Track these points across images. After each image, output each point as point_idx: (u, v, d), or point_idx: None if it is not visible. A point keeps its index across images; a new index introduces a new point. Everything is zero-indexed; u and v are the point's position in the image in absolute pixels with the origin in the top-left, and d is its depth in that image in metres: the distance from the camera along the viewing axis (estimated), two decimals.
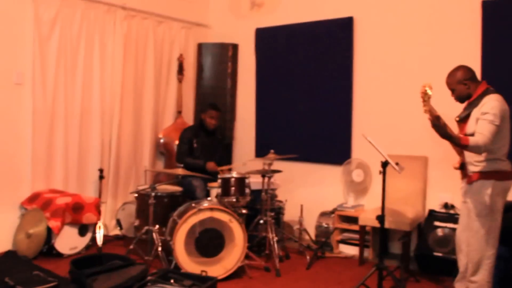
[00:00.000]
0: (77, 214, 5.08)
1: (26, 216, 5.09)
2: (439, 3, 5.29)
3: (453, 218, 4.74)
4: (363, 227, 5.12)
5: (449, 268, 4.37)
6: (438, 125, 3.49)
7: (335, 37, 5.97)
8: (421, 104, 3.46)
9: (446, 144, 3.79)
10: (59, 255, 5.01)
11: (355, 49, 5.86)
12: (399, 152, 5.29)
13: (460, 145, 3.53)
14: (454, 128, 3.87)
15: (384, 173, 4.20)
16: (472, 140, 3.49)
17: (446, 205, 5.05)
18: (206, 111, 5.84)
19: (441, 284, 4.53)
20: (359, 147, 5.79)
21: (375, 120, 5.70)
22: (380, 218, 4.19)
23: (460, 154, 3.86)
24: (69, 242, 5.09)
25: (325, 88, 6.07)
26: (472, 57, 4.85)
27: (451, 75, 3.83)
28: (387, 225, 4.75)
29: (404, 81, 5.48)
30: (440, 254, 4.68)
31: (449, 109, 4.03)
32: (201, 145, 5.76)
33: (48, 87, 5.40)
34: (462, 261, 3.91)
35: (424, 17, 5.38)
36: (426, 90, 3.42)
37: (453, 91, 3.83)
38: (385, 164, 4.17)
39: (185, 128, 6.00)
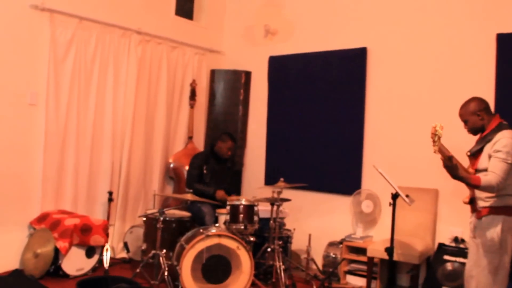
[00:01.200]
0: (85, 235, 5.08)
1: (35, 235, 5.10)
2: (454, 35, 5.31)
3: (463, 252, 4.70)
4: (371, 259, 5.08)
5: None
6: (451, 166, 3.48)
7: (348, 67, 6.00)
8: (432, 144, 3.47)
9: None
10: (66, 276, 5.00)
11: (368, 79, 5.88)
12: (410, 184, 5.29)
13: (471, 185, 3.51)
14: (465, 162, 3.87)
15: (394, 205, 4.19)
16: (484, 180, 3.46)
17: (456, 239, 5.01)
18: (224, 140, 5.82)
19: None
20: (369, 178, 5.77)
21: (386, 151, 5.69)
22: (389, 250, 4.18)
23: (471, 188, 3.84)
24: (76, 263, 5.08)
25: (337, 118, 6.08)
26: (486, 90, 4.84)
27: (465, 106, 3.82)
28: (395, 257, 4.71)
29: (417, 112, 5.49)
30: None
31: (462, 143, 4.03)
32: (211, 171, 5.76)
33: (61, 108, 5.45)
34: None
35: (438, 49, 5.40)
36: (436, 131, 3.44)
37: (466, 122, 3.80)
38: (395, 196, 4.17)
39: (196, 154, 6.01)
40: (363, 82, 5.89)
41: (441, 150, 3.60)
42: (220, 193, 5.59)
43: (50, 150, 5.38)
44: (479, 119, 3.74)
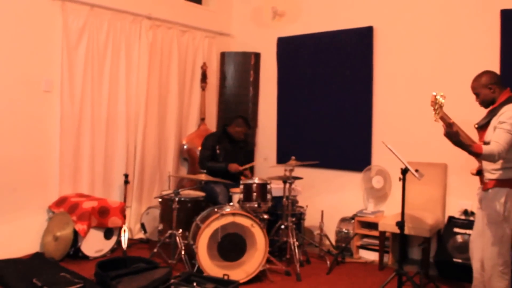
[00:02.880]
0: (103, 218, 5.11)
1: (54, 219, 5.14)
2: (459, 12, 5.24)
3: (472, 225, 4.64)
4: (383, 233, 5.09)
5: (469, 274, 4.27)
6: (450, 132, 3.45)
7: (356, 46, 5.96)
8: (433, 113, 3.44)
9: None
10: (85, 258, 5.04)
11: (375, 57, 5.84)
12: (419, 159, 5.26)
13: (472, 153, 3.47)
14: (474, 135, 3.83)
15: (403, 179, 4.18)
16: (486, 149, 3.43)
17: (465, 212, 5.00)
18: (239, 125, 5.81)
19: None
20: (379, 154, 5.75)
21: (395, 127, 5.66)
22: (400, 224, 4.17)
23: (479, 160, 3.81)
24: (95, 245, 5.12)
25: (345, 96, 6.05)
26: (491, 65, 4.71)
27: (477, 79, 3.77)
28: (406, 231, 4.72)
29: (423, 88, 5.42)
30: (459, 261, 4.62)
31: (470, 116, 3.99)
32: (224, 151, 5.77)
33: (75, 94, 5.46)
34: (475, 267, 3.82)
35: (444, 26, 5.34)
36: (437, 99, 3.40)
37: (477, 95, 3.76)
38: (404, 171, 4.15)
39: (208, 135, 6.01)
40: (370, 60, 5.85)
41: (443, 118, 3.57)
42: (233, 166, 5.59)
43: (66, 135, 5.40)
44: (491, 92, 3.70)
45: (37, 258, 4.82)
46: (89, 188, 5.63)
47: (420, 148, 5.41)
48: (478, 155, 3.49)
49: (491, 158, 3.46)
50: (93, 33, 5.59)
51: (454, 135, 3.45)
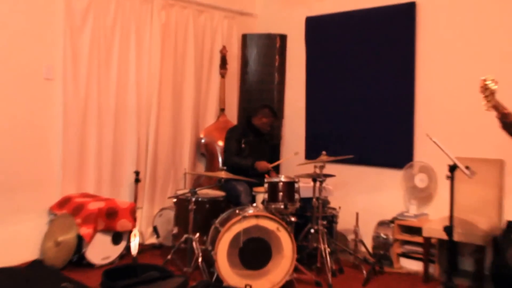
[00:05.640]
0: (111, 220, 5.11)
1: (55, 222, 5.15)
2: None
3: None
4: (427, 239, 5.01)
5: None
6: (506, 123, 3.30)
7: (395, 25, 5.89)
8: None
9: None
10: (90, 265, 5.04)
11: (418, 38, 5.75)
12: (470, 154, 5.16)
13: None
14: None
15: (452, 178, 4.12)
16: None
17: None
18: (265, 114, 5.84)
19: None
20: (422, 149, 5.68)
21: (441, 118, 5.57)
22: (448, 229, 4.13)
23: None
24: (101, 251, 5.12)
25: (383, 83, 6.00)
26: None
27: None
28: (456, 237, 4.59)
29: (475, 73, 5.14)
30: None
31: None
32: (249, 145, 5.79)
33: (80, 82, 5.46)
34: None
35: (498, 0, 5.22)
36: (486, 85, 3.26)
37: None
38: (453, 168, 4.10)
39: (232, 127, 6.07)
40: (412, 41, 5.77)
41: (496, 107, 3.41)
42: (262, 164, 5.60)
43: (70, 128, 5.40)
44: None
45: (36, 266, 4.84)
46: (96, 187, 5.64)
47: (471, 141, 5.31)
48: None
49: None
50: (99, 14, 5.58)
51: (510, 126, 3.31)
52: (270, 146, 6.18)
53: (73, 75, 5.39)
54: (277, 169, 6.26)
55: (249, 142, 5.80)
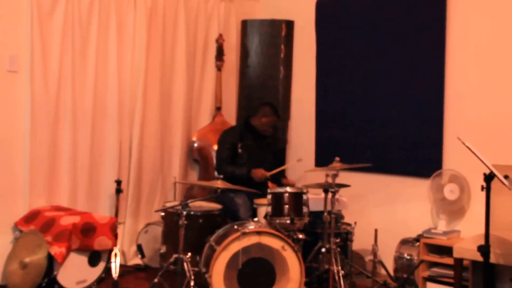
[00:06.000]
0: (87, 238, 5.10)
1: (22, 240, 5.12)
2: None
3: None
4: (459, 261, 4.95)
5: None
6: None
7: (421, 11, 5.90)
8: None
9: None
10: None
11: (448, 26, 5.73)
12: (510, 161, 5.11)
13: None
14: None
15: (488, 189, 4.06)
16: None
17: None
18: (266, 114, 5.83)
19: None
20: (453, 155, 5.67)
21: (476, 119, 5.56)
22: (484, 250, 4.07)
23: None
24: (76, 273, 5.10)
25: (407, 78, 6.00)
26: None
27: None
28: (493, 259, 4.53)
29: None
30: None
31: None
32: (247, 150, 5.78)
33: (50, 75, 5.44)
34: None
35: None
36: None
37: None
38: (489, 178, 4.04)
39: (227, 130, 6.04)
40: (442, 29, 5.75)
41: None
42: (258, 171, 5.59)
43: (39, 130, 5.38)
44: None
45: None
46: (70, 199, 5.63)
47: (510, 147, 5.30)
48: None
49: None
50: None
51: None
52: (274, 151, 6.18)
53: (42, 68, 5.35)
54: (278, 179, 6.21)
55: (247, 146, 5.79)
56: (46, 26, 5.39)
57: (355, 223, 5.63)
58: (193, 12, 6.60)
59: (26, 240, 5.07)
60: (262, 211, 5.20)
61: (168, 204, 5.53)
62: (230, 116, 6.97)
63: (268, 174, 5.59)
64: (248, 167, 5.65)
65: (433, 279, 5.42)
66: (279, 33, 6.90)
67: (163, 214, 5.41)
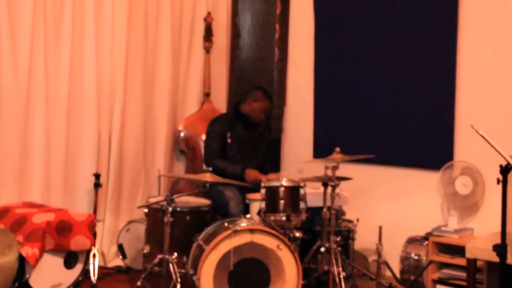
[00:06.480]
0: (63, 237, 5.05)
1: None
2: None
3: None
4: (472, 262, 4.95)
5: None
6: None
7: None
8: None
9: None
10: None
11: (461, 7, 5.72)
12: None
13: None
14: None
15: (504, 182, 4.06)
16: None
17: None
18: (257, 98, 5.84)
19: None
20: (465, 145, 5.67)
21: (490, 107, 5.56)
22: (499, 249, 4.07)
23: None
24: (50, 276, 5.07)
25: (415, 63, 6.00)
26: None
27: None
28: (510, 259, 4.53)
29: None
30: None
31: None
32: (237, 140, 5.78)
33: (20, 59, 5.40)
34: None
35: None
36: None
37: None
38: (506, 170, 4.03)
39: (215, 118, 6.02)
40: (455, 10, 5.73)
41: None
42: (252, 173, 5.60)
43: (7, 119, 5.35)
44: None
45: None
46: (43, 194, 5.61)
47: None
48: None
49: None
50: None
51: None
52: (267, 142, 6.18)
53: (10, 50, 5.31)
54: (278, 169, 6.23)
55: (237, 136, 5.79)
56: (13, 4, 5.34)
57: (358, 220, 5.65)
58: None
59: None
60: (255, 207, 5.18)
61: (152, 200, 5.51)
62: (220, 103, 6.96)
63: (264, 178, 5.51)
64: (242, 162, 5.66)
65: (443, 281, 5.43)
66: (274, 11, 6.90)
67: (146, 210, 5.40)
